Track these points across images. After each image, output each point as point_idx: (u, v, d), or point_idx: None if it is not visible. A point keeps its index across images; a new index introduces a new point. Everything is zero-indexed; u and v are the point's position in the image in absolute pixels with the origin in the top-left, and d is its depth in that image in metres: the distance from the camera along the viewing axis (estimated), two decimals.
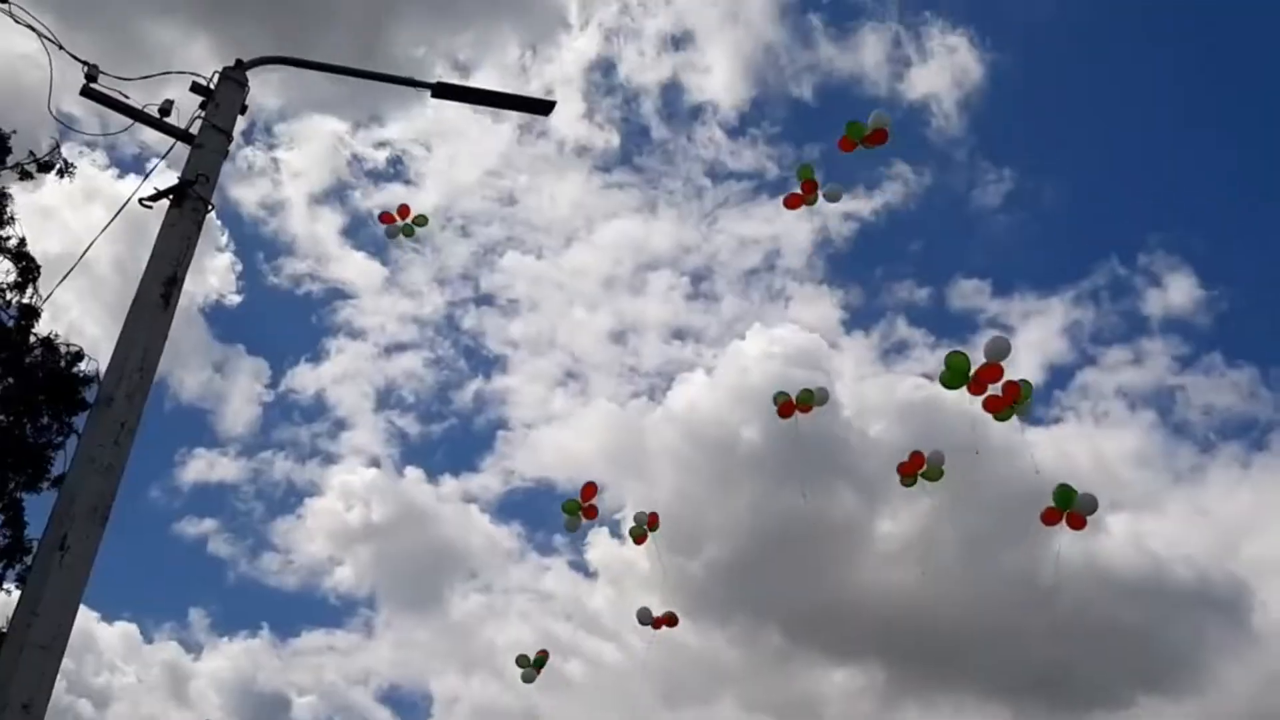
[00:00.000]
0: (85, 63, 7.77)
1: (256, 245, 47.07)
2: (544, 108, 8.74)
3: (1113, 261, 44.53)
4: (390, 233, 14.95)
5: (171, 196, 7.30)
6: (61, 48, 7.86)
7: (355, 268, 47.62)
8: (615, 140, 47.63)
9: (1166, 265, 44.81)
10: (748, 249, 46.15)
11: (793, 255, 45.21)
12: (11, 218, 16.76)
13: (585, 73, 47.10)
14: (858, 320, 48.02)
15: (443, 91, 8.82)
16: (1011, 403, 13.80)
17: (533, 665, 17.89)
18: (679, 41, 48.30)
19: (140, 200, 7.36)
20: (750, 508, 36.06)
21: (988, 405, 13.48)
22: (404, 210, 14.81)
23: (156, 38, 37.81)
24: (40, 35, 7.82)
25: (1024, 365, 44.52)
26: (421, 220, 14.80)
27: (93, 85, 7.74)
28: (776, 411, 15.77)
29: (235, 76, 8.00)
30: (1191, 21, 45.25)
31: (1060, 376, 47.01)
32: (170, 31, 38.07)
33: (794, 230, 45.31)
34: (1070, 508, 12.98)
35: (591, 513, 17.49)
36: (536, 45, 45.97)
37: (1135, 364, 44.45)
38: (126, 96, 7.79)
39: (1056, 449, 43.20)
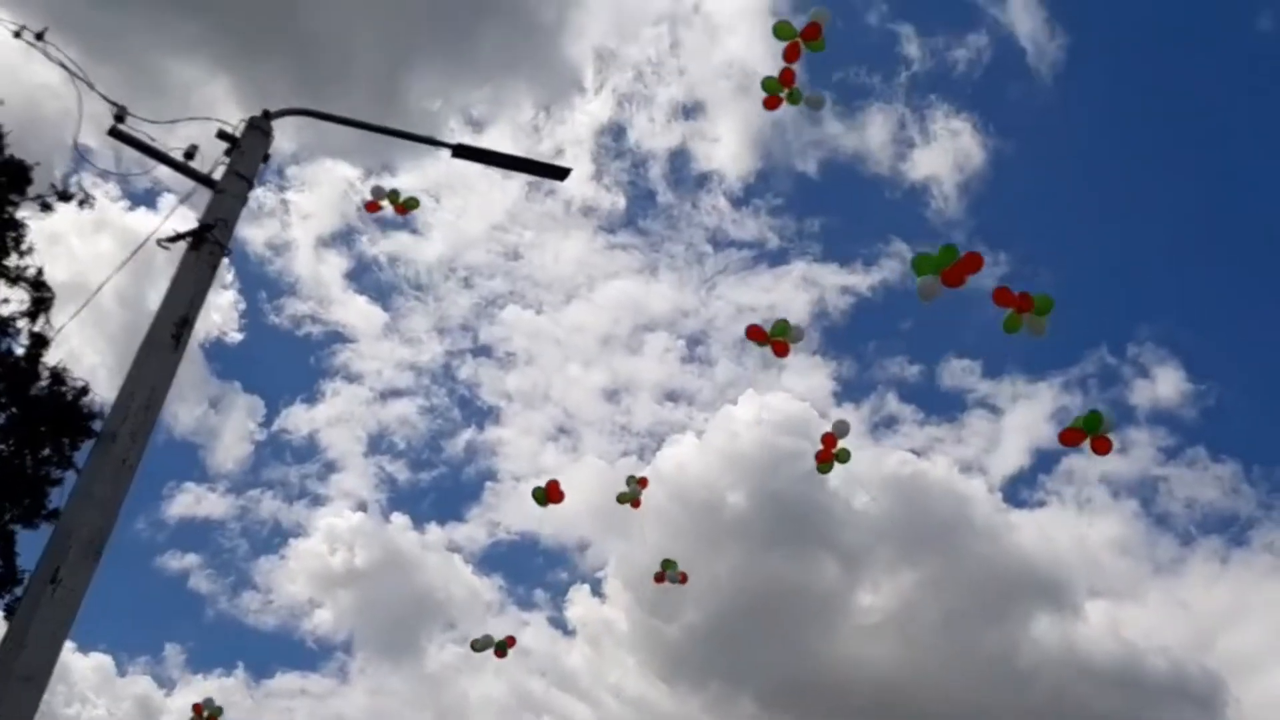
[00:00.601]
0: (114, 103, 7.91)
1: (260, 284, 47.45)
2: (560, 174, 8.87)
3: (1102, 350, 44.97)
4: (375, 192, 14.63)
5: (190, 239, 7.40)
6: (93, 87, 8.01)
7: (357, 312, 48.03)
8: (621, 203, 48.30)
9: (1155, 358, 45.20)
10: (744, 316, 46.45)
11: None
12: (30, 248, 16.94)
13: (596, 135, 47.79)
14: (849, 392, 48.33)
15: (463, 152, 8.97)
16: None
17: (492, 647, 17.35)
18: (690, 111, 49.06)
19: (159, 241, 7.47)
20: (732, 573, 35.97)
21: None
22: (398, 208, 14.68)
23: (178, 75, 38.39)
24: (72, 74, 7.99)
25: (1011, 447, 44.85)
26: (412, 203, 14.57)
27: (120, 126, 7.87)
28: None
29: (261, 126, 8.14)
30: (1188, 120, 45.92)
31: (1046, 461, 47.16)
32: (192, 70, 38.63)
33: (791, 300, 45.74)
34: (1097, 431, 12.46)
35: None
36: (551, 106, 46.80)
37: (1120, 453, 44.47)
38: (152, 139, 7.93)
39: (1039, 532, 43.33)
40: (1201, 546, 44.43)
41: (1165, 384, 44.15)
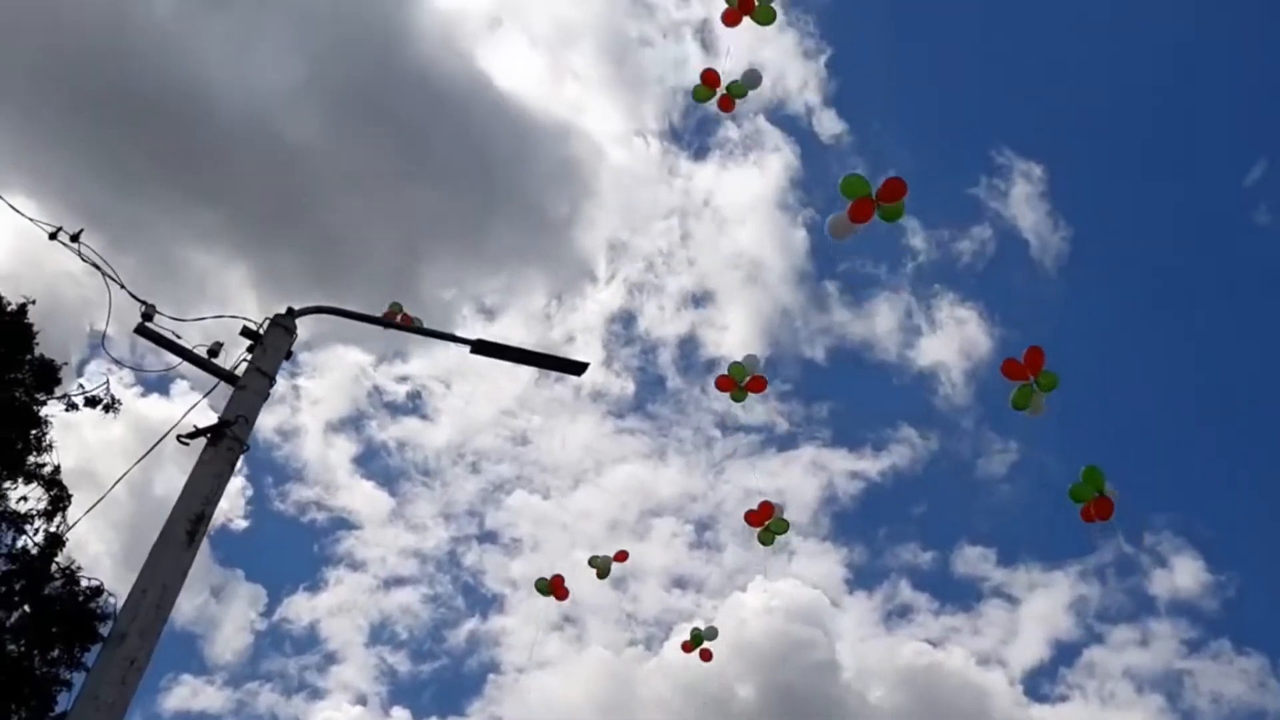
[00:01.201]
0: (143, 302, 8.04)
1: (267, 469, 47.56)
2: (577, 368, 8.95)
3: (1118, 539, 44.15)
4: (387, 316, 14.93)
5: (209, 435, 7.41)
6: (123, 286, 8.17)
7: (363, 497, 47.96)
8: (631, 388, 48.79)
9: (1172, 547, 44.34)
10: (753, 501, 45.87)
11: (798, 510, 45.08)
12: (50, 445, 17.05)
13: (607, 323, 48.75)
14: (861, 580, 47.53)
15: (482, 349, 9.06)
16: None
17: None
18: (699, 300, 49.99)
19: (178, 437, 7.48)
20: None
21: None
22: (405, 318, 15.03)
23: (197, 264, 39.47)
24: (104, 274, 8.16)
25: (1030, 638, 43.65)
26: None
27: (147, 324, 7.98)
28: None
29: (284, 323, 8.23)
30: (1195, 307, 46.53)
31: (1066, 653, 45.97)
32: (210, 258, 39.75)
33: (801, 486, 45.49)
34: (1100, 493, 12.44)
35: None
36: (563, 294, 47.88)
37: (1143, 645, 43.26)
38: (178, 335, 8.04)
39: None
40: None
41: (1184, 574, 43.31)
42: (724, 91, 14.92)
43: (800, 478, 46.69)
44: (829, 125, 46.12)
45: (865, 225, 11.81)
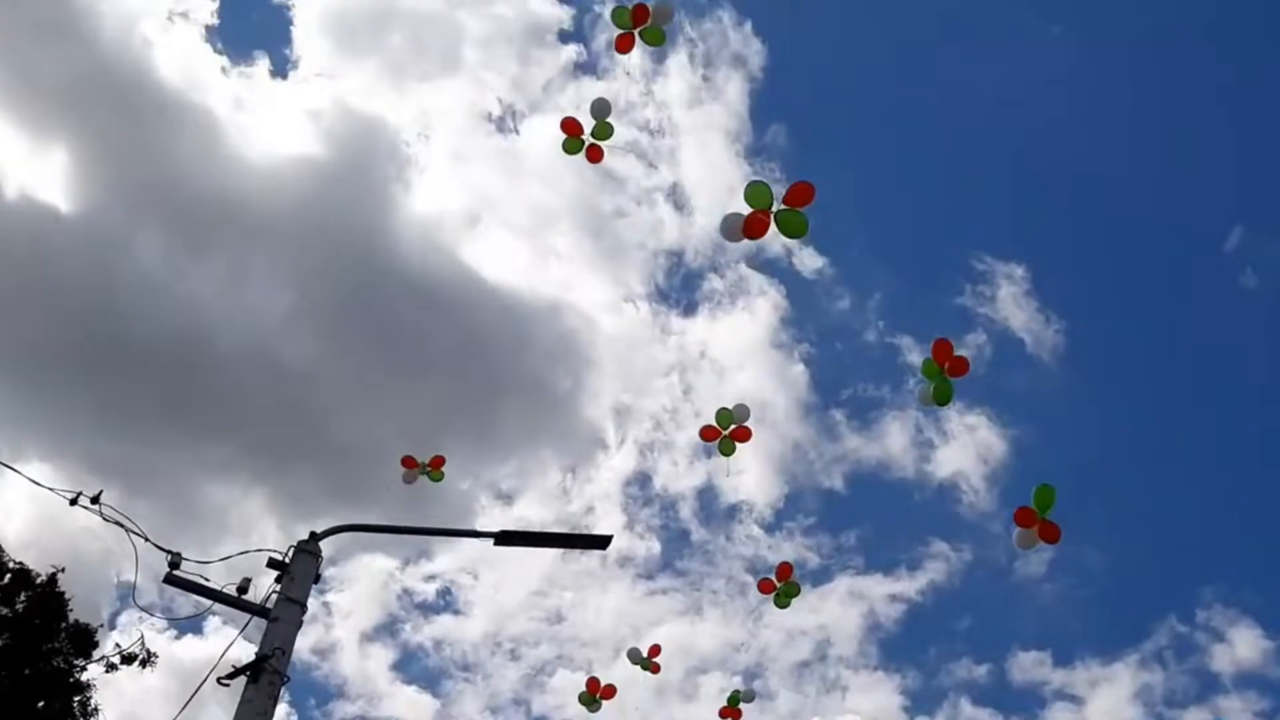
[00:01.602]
0: (169, 551, 8.15)
1: (309, 691, 46.81)
2: (601, 543, 9.02)
3: (1171, 620, 43.21)
4: (408, 478, 14.84)
5: (249, 673, 7.44)
6: (146, 539, 8.30)
7: (406, 703, 47.12)
8: (656, 548, 48.45)
9: (1226, 619, 43.30)
10: (797, 641, 45.32)
11: (844, 643, 44.37)
12: (96, 709, 16.95)
13: (623, 487, 48.79)
14: (920, 705, 46.26)
15: (505, 540, 9.14)
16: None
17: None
18: (710, 450, 50.02)
19: (218, 679, 7.50)
20: None
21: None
22: (436, 461, 14.85)
23: (216, 498, 39.76)
24: (129, 530, 8.31)
25: None
26: (438, 476, 14.74)
27: (174, 572, 8.08)
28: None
29: (309, 549, 8.30)
30: (1201, 377, 46.65)
31: None
32: (228, 491, 40.05)
33: (841, 618, 44.70)
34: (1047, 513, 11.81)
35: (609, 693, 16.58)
36: (576, 467, 48.09)
37: None
38: (205, 578, 8.13)
39: None
40: None
41: (1244, 645, 42.18)
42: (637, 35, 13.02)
43: (840, 610, 46.08)
44: (809, 261, 47.03)
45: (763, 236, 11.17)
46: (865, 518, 50.81)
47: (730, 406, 14.75)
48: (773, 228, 10.86)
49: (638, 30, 12.70)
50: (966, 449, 46.32)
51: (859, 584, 46.73)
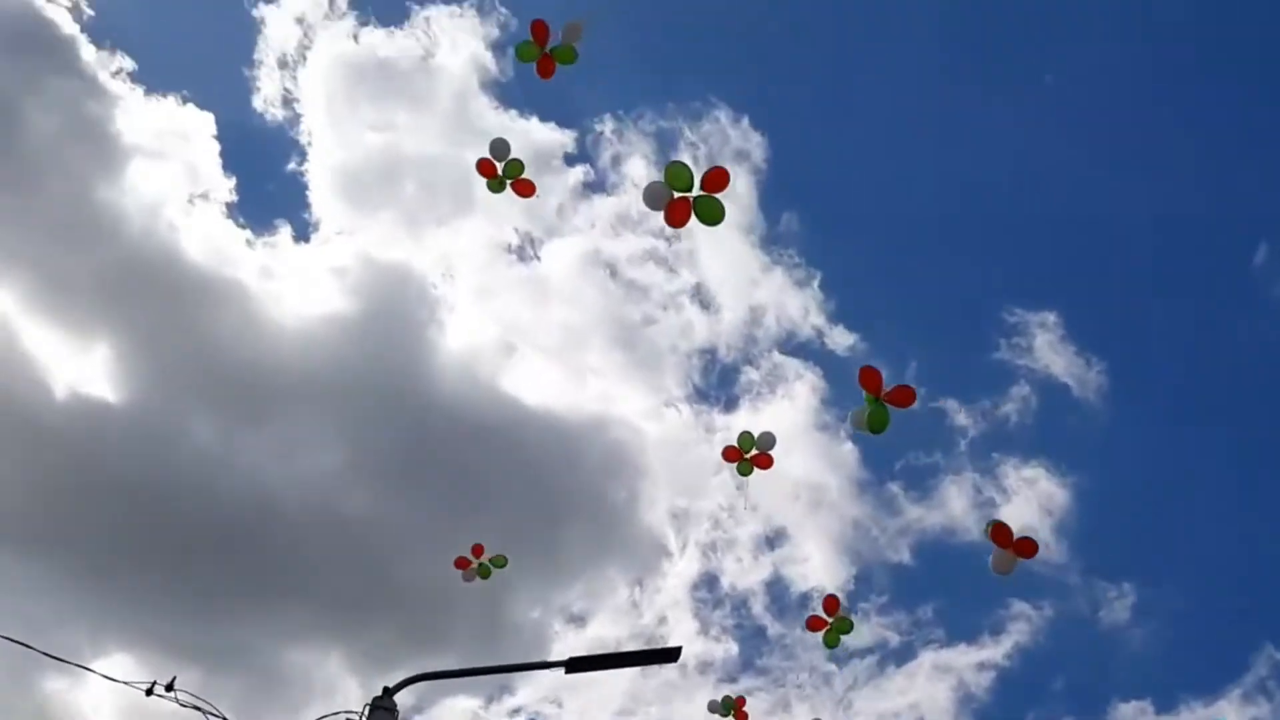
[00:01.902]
0: None
1: None
2: (671, 656, 9.00)
3: (1268, 649, 41.71)
4: (467, 578, 14.34)
5: None
6: (225, 719, 8.40)
7: None
8: (734, 649, 47.62)
9: None
10: None
11: (938, 718, 43.33)
12: None
13: (691, 592, 48.30)
14: None
15: (576, 666, 9.15)
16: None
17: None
18: (773, 541, 49.50)
19: None
20: None
21: None
22: (478, 549, 14.40)
23: (296, 663, 39.68)
24: (205, 714, 8.40)
25: None
26: (500, 561, 14.31)
27: None
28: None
29: (384, 704, 8.39)
30: (1251, 403, 45.92)
31: None
32: (308, 653, 40.02)
33: (932, 694, 43.55)
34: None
35: None
36: (643, 579, 47.62)
37: None
38: None
39: None
40: None
41: None
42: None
43: (929, 686, 45.02)
44: (841, 340, 46.98)
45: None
46: (939, 587, 49.82)
47: (758, 439, 14.23)
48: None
49: (549, 49, 12.39)
50: (1029, 503, 45.56)
51: (943, 657, 45.73)
